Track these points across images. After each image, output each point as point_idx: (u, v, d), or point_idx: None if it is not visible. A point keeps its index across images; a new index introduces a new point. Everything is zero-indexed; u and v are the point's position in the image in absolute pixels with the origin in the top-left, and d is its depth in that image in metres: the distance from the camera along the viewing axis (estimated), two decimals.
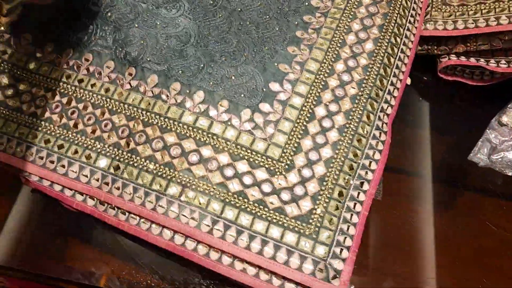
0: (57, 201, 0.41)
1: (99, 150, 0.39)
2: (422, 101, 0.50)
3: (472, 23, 0.44)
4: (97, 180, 0.38)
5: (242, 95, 0.40)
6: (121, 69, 0.42)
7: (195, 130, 0.39)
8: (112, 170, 0.38)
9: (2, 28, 0.39)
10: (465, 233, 0.43)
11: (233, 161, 0.38)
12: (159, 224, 0.38)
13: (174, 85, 0.41)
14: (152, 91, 0.41)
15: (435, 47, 0.48)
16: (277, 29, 0.43)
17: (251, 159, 0.38)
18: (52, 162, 0.39)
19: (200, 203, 0.37)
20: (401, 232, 0.43)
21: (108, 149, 0.39)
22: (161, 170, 0.38)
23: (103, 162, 0.39)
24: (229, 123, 0.39)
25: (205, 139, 0.39)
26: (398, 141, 0.45)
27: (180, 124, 0.39)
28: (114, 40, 0.43)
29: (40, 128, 0.40)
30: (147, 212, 0.37)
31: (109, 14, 0.44)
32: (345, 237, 0.36)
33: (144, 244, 0.40)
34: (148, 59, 0.42)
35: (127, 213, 0.40)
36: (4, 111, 0.41)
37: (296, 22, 0.44)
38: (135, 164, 0.38)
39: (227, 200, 0.37)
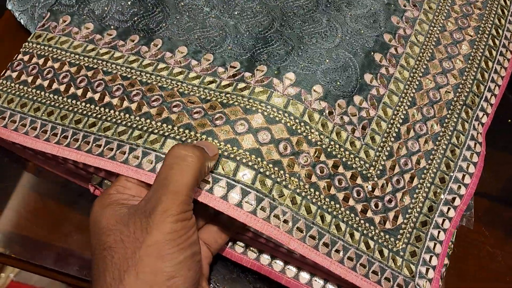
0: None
1: (166, 134, 0.32)
2: (510, 122, 0.46)
3: None
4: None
5: (338, 83, 0.35)
6: (196, 55, 0.37)
7: (285, 115, 0.33)
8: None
9: None
10: None
11: (326, 159, 0.33)
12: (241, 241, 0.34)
13: (260, 67, 0.35)
14: (232, 74, 0.35)
15: None
16: (371, 9, 0.38)
17: (344, 159, 0.33)
18: (110, 149, 0.32)
19: (290, 205, 0.31)
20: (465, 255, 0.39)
21: (178, 131, 0.32)
22: (245, 156, 0.31)
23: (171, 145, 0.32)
24: (322, 113, 0.34)
25: (296, 127, 0.33)
26: None
27: (269, 106, 0.33)
28: (189, 28, 0.38)
29: (99, 116, 0.35)
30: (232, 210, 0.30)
31: (182, 4, 0.40)
32: (431, 256, 0.33)
33: None
34: (229, 48, 0.37)
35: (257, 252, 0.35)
36: (59, 100, 0.36)
37: (392, 6, 0.39)
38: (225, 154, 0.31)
39: (319, 204, 0.32)
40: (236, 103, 0.33)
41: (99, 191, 0.36)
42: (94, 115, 0.34)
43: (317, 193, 0.31)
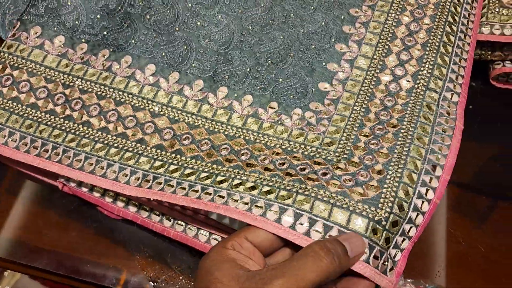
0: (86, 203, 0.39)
1: (140, 152, 0.37)
2: (470, 107, 0.45)
3: None
4: (137, 179, 0.35)
5: (291, 97, 0.38)
6: (163, 73, 0.40)
7: (244, 131, 0.37)
8: (153, 170, 0.35)
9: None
10: (504, 250, 0.41)
11: (287, 155, 0.35)
12: (206, 230, 0.36)
13: (221, 89, 0.39)
14: (197, 95, 0.39)
15: (489, 53, 0.44)
16: (323, 23, 0.41)
17: (306, 152, 0.36)
18: (90, 164, 0.36)
19: (247, 189, 0.33)
20: (437, 241, 0.41)
21: (150, 150, 0.37)
22: (208, 166, 0.35)
23: (144, 162, 0.36)
24: (279, 122, 0.37)
25: (255, 138, 0.37)
26: None
27: (229, 126, 0.37)
28: (156, 45, 0.41)
29: (77, 132, 0.38)
30: (204, 204, 0.33)
31: (147, 16, 0.42)
32: (411, 227, 0.32)
33: (173, 242, 0.38)
34: (193, 65, 0.40)
35: (172, 219, 0.38)
36: (37, 114, 0.39)
37: (343, 16, 0.42)
38: (180, 163, 0.36)
39: (281, 187, 0.33)
40: (201, 125, 0.37)
41: (67, 187, 0.40)
42: (73, 131, 0.38)
43: (279, 180, 0.33)
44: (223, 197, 0.33)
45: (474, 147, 0.45)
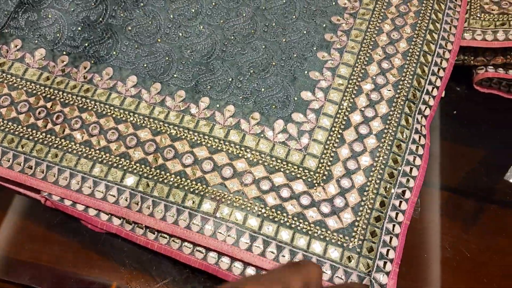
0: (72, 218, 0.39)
1: (125, 168, 0.37)
2: (455, 113, 0.47)
3: None
4: (126, 199, 0.36)
5: (274, 106, 0.39)
6: (145, 84, 0.40)
7: (227, 143, 0.37)
8: (141, 188, 0.36)
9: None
10: (493, 251, 0.41)
11: (269, 174, 0.36)
12: (190, 242, 0.36)
13: (203, 99, 0.39)
14: (179, 106, 0.39)
15: (472, 58, 0.45)
16: (304, 32, 0.42)
17: (288, 171, 0.36)
18: (77, 182, 0.36)
19: (236, 219, 0.35)
20: (425, 245, 0.41)
21: (135, 166, 0.37)
22: (193, 186, 0.36)
23: (130, 180, 0.36)
24: (262, 135, 0.37)
25: (238, 152, 0.37)
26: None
27: (211, 138, 0.37)
28: (137, 56, 0.41)
29: (60, 146, 0.37)
30: (180, 231, 0.35)
31: (129, 28, 0.42)
32: (388, 249, 0.35)
33: (157, 254, 0.38)
34: (175, 76, 0.40)
35: (156, 232, 0.38)
36: (18, 129, 0.38)
37: (324, 25, 0.42)
38: (165, 181, 0.36)
39: (265, 215, 0.35)
40: (183, 137, 0.37)
41: (50, 202, 0.39)
42: (55, 145, 0.38)
43: (262, 206, 0.35)
44: (210, 230, 0.35)
45: (460, 151, 0.45)
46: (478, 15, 0.44)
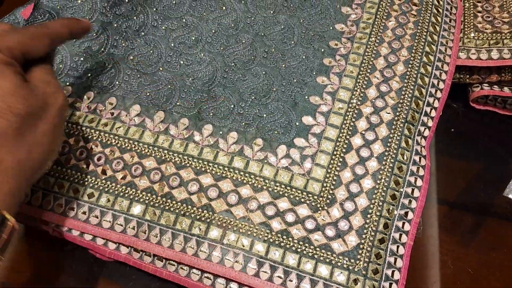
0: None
1: (131, 197, 0.37)
2: (452, 130, 0.48)
3: (508, 53, 0.42)
4: (133, 228, 0.36)
5: (276, 132, 0.39)
6: (149, 112, 0.40)
7: (231, 170, 0.38)
8: (148, 217, 0.37)
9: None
10: (492, 266, 0.42)
11: (273, 199, 0.37)
12: (198, 269, 0.37)
13: (206, 127, 0.40)
14: (183, 134, 0.39)
15: (467, 76, 0.46)
16: (304, 57, 0.42)
17: (292, 196, 0.37)
18: (84, 213, 0.37)
19: (243, 245, 0.36)
20: (426, 261, 0.42)
21: (141, 195, 0.37)
22: (199, 213, 0.36)
23: (137, 209, 0.37)
24: (265, 161, 0.38)
25: (242, 178, 0.38)
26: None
27: (216, 165, 0.38)
28: (140, 85, 0.41)
29: (66, 177, 0.38)
30: (188, 259, 0.35)
31: (131, 57, 0.42)
32: (393, 271, 0.36)
33: (166, 282, 0.38)
34: (178, 104, 0.40)
35: (164, 259, 0.38)
36: None
37: (323, 49, 0.43)
38: (172, 209, 0.37)
39: (271, 240, 0.36)
40: (188, 165, 0.38)
41: (57, 232, 0.39)
42: (62, 177, 0.38)
43: (267, 231, 0.36)
44: (218, 256, 0.35)
45: (457, 166, 0.46)
46: (472, 34, 0.46)
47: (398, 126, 0.39)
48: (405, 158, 0.39)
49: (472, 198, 0.45)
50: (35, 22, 0.41)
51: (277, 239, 0.36)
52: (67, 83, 0.41)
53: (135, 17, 0.43)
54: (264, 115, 0.40)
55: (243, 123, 0.40)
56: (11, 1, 0.47)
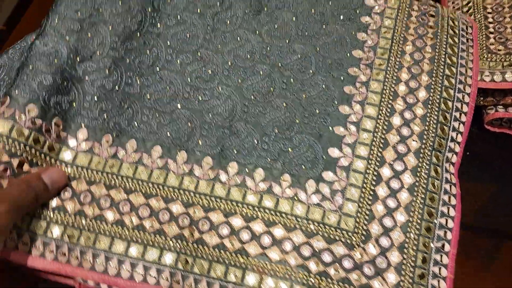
0: None
1: (162, 245, 0.36)
2: (468, 153, 0.46)
3: None
4: (167, 279, 0.35)
5: (303, 167, 0.38)
6: (171, 153, 0.39)
7: (261, 210, 0.37)
8: (180, 266, 0.35)
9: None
10: None
11: (307, 239, 0.36)
12: None
13: (231, 165, 0.38)
14: (208, 174, 0.38)
15: (482, 98, 0.45)
16: (323, 86, 0.42)
17: (326, 234, 0.36)
18: (114, 266, 0.35)
19: None
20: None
21: (171, 243, 0.36)
22: (233, 258, 0.35)
23: (168, 258, 0.35)
24: (295, 198, 0.37)
25: (274, 218, 0.37)
26: None
27: (245, 206, 0.37)
28: (159, 125, 0.40)
29: (91, 229, 0.36)
30: None
31: (147, 95, 0.41)
32: None
33: None
34: (200, 143, 0.39)
35: None
36: (45, 213, 0.37)
37: (342, 77, 0.42)
38: (204, 256, 0.35)
39: (310, 283, 0.35)
40: (216, 207, 0.37)
41: (84, 287, 0.37)
42: (87, 228, 0.36)
43: (305, 273, 0.35)
44: None
45: (474, 189, 0.46)
46: (485, 56, 0.46)
47: (426, 154, 0.39)
48: (436, 187, 0.38)
49: (489, 221, 0.46)
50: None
51: (316, 281, 0.35)
52: (82, 125, 0.40)
53: (148, 52, 0.42)
54: (290, 150, 0.39)
55: (269, 159, 0.39)
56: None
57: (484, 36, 0.47)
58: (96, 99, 0.40)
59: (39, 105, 0.38)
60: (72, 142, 0.39)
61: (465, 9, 0.50)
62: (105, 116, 0.40)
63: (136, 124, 0.40)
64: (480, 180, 0.47)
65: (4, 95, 0.37)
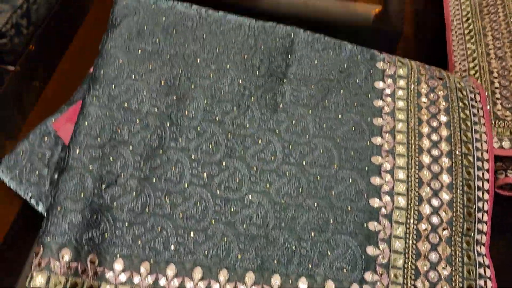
0: None
1: None
2: None
3: None
4: None
5: (344, 270, 0.39)
6: (212, 273, 0.39)
7: None
8: None
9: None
10: None
11: None
12: None
13: (274, 277, 0.39)
14: None
15: None
16: (350, 180, 0.42)
17: None
18: None
19: None
20: None
21: None
22: None
23: None
24: None
25: None
26: None
27: None
28: (196, 244, 0.39)
29: None
30: None
31: (179, 214, 0.40)
32: None
33: None
34: (239, 257, 0.39)
35: None
36: None
37: (367, 167, 0.43)
38: None
39: None
40: None
41: None
42: None
43: None
44: None
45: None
46: (493, 122, 0.47)
47: (457, 241, 0.40)
48: (471, 275, 0.40)
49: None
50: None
51: None
52: (118, 255, 0.39)
53: (173, 168, 0.41)
54: (329, 253, 0.40)
55: (310, 265, 0.39)
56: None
57: (491, 102, 0.48)
58: (127, 224, 0.39)
59: (72, 246, 0.37)
60: (109, 274, 0.38)
61: (472, 72, 0.51)
62: (139, 242, 0.39)
63: (172, 247, 0.39)
64: (491, 247, 0.47)
65: (37, 245, 0.37)
